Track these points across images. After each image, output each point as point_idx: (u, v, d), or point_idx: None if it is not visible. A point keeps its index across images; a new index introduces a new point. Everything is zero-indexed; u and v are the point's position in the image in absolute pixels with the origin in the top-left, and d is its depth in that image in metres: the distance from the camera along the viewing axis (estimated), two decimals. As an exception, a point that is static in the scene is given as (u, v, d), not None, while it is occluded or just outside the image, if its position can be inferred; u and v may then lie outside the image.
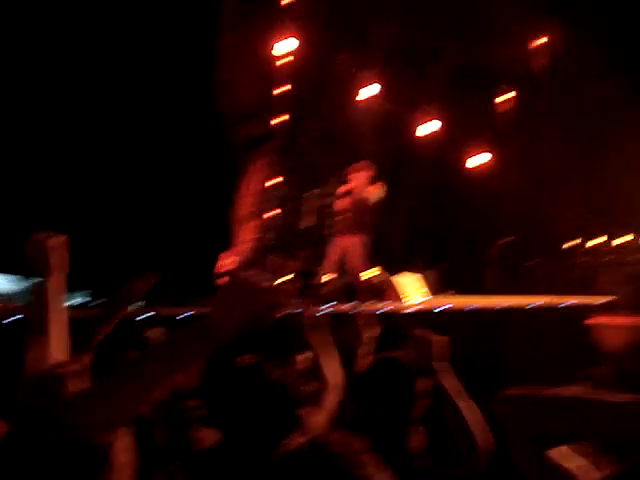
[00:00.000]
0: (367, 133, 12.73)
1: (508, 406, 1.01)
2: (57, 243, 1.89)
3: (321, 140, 13.04)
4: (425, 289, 8.22)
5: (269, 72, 13.37)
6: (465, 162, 11.62)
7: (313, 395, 2.07)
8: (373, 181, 6.80)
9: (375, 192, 6.76)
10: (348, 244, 6.87)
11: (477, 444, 1.86)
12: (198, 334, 1.22)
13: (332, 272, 7.12)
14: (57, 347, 1.83)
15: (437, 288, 10.11)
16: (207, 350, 1.23)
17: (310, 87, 12.73)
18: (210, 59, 15.73)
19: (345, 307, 6.60)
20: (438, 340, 2.07)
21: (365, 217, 6.75)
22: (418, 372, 1.97)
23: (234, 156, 15.87)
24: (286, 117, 13.27)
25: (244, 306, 1.21)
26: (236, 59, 15.19)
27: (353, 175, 6.82)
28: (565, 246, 10.84)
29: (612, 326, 5.55)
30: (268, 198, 14.30)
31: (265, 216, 14.18)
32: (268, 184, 14.29)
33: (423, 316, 6.10)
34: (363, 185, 6.73)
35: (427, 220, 13.10)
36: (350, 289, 8.05)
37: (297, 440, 1.74)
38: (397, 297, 7.79)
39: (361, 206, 6.75)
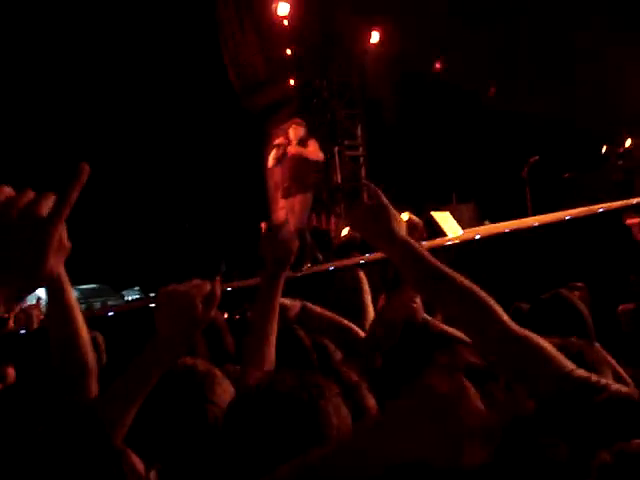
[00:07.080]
0: (381, 80, 12.71)
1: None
2: None
3: (337, 94, 13.09)
4: (456, 224, 8.36)
5: (272, 38, 13.36)
6: (483, 92, 11.59)
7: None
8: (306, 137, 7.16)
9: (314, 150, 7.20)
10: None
11: None
12: (152, 352, 1.24)
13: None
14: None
15: (473, 221, 10.16)
16: (164, 364, 1.26)
17: (314, 45, 12.73)
18: (214, 35, 15.77)
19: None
20: None
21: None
22: None
23: (255, 126, 15.97)
24: (297, 79, 13.29)
25: (183, 316, 1.22)
26: (239, 29, 15.18)
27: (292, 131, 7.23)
28: (600, 152, 10.68)
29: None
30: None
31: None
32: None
33: (465, 246, 6.25)
34: (298, 139, 7.10)
35: (452, 154, 13.08)
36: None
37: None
38: (440, 232, 7.94)
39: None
